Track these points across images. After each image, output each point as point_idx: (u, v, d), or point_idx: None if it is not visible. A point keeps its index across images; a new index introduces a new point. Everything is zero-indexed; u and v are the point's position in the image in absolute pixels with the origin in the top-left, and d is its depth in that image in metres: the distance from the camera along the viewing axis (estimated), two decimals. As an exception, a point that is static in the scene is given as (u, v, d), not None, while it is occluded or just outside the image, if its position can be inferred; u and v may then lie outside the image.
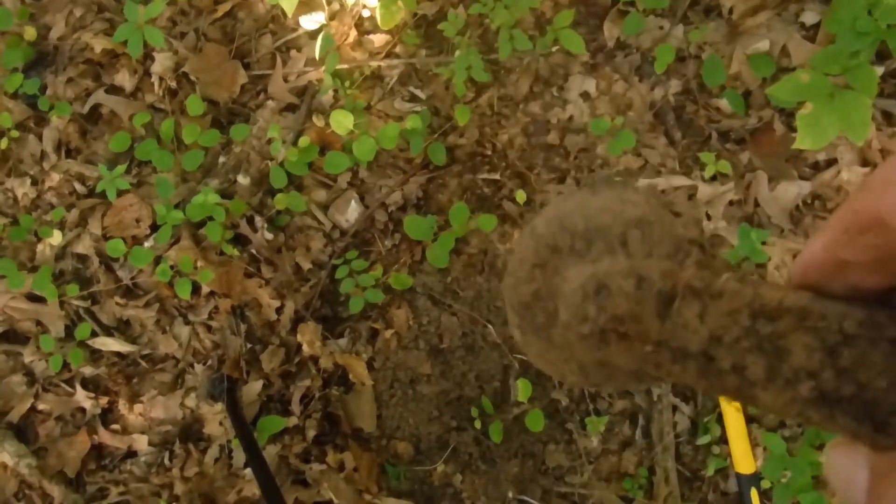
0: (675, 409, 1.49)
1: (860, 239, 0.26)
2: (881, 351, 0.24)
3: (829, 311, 0.26)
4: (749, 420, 1.45)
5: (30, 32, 1.61)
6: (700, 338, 0.26)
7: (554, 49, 1.56)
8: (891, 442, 0.25)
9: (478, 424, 1.52)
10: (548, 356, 0.32)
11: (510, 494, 1.51)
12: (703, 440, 1.47)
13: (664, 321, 0.27)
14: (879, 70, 1.50)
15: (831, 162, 1.49)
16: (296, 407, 1.51)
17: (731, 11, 1.53)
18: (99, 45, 1.59)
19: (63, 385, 1.55)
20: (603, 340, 0.27)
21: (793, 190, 1.49)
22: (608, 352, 0.28)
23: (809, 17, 1.51)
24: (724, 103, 1.53)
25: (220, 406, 1.49)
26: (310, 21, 1.56)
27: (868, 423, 0.24)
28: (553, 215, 0.34)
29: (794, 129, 1.45)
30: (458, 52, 1.51)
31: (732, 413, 1.44)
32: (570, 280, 0.30)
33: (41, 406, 1.53)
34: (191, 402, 1.53)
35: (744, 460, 1.42)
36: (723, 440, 1.46)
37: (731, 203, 1.51)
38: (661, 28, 1.55)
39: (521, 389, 1.50)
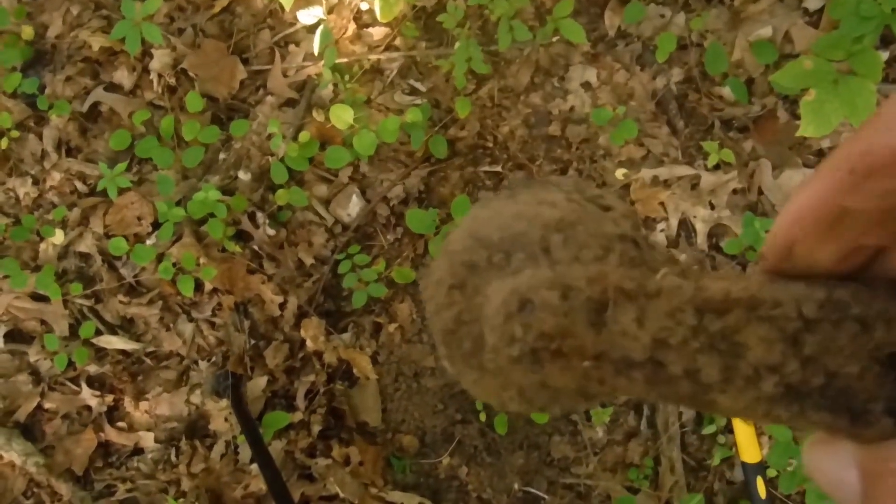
0: (680, 399, 1.49)
1: (868, 183, 0.23)
2: (847, 332, 0.22)
3: (784, 295, 0.23)
4: (754, 409, 1.45)
5: (27, 31, 1.60)
6: (642, 344, 0.24)
7: (554, 39, 1.55)
8: (873, 433, 0.22)
9: (482, 417, 1.52)
10: (483, 385, 0.29)
11: (516, 486, 1.51)
12: (708, 430, 1.47)
13: (599, 331, 0.24)
14: (884, 55, 1.48)
15: (834, 149, 1.48)
16: (301, 402, 1.52)
17: (732, -2, 1.51)
18: (97, 42, 1.58)
19: (69, 383, 1.55)
20: (535, 362, 0.25)
21: (797, 178, 1.48)
22: (543, 373, 0.25)
23: (813, 3, 1.49)
24: (726, 91, 1.52)
25: (225, 402, 1.50)
26: (308, 15, 1.55)
27: (845, 414, 0.22)
28: (466, 228, 0.31)
29: (797, 117, 1.44)
30: (457, 44, 1.50)
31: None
32: (492, 298, 0.27)
33: (47, 405, 1.54)
34: (196, 398, 1.53)
35: (749, 449, 1.42)
36: (728, 429, 1.46)
37: (734, 192, 1.50)
38: (663, 16, 1.54)
39: (526, 382, 1.50)
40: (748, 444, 1.43)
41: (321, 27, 1.53)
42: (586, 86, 1.57)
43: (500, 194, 0.32)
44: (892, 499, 0.22)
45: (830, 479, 0.24)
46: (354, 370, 1.54)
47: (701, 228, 1.50)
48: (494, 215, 0.31)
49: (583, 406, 0.28)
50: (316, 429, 1.50)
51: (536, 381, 0.26)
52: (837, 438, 0.24)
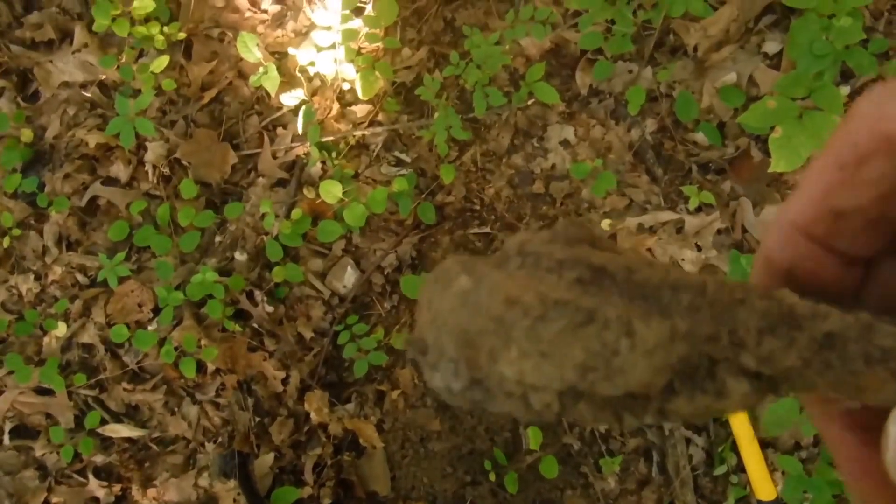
0: (688, 441, 1.49)
1: (861, 172, 0.23)
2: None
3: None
4: (764, 445, 1.44)
5: (26, 134, 1.67)
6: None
7: (530, 102, 1.62)
8: None
9: (492, 476, 1.51)
10: (515, 276, 0.24)
11: (532, 546, 1.49)
12: (720, 470, 1.46)
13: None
14: (846, 89, 1.54)
15: (811, 182, 1.52)
16: (309, 476, 1.51)
17: (695, 49, 1.59)
18: (93, 139, 1.65)
19: (75, 476, 1.55)
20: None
21: (777, 213, 1.51)
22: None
23: (771, 47, 1.56)
24: (700, 136, 1.58)
25: (233, 483, 1.49)
26: (290, 98, 1.63)
27: None
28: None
29: (770, 154, 1.49)
30: (437, 114, 1.57)
31: (746, 439, 1.43)
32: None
33: (55, 499, 1.53)
34: (204, 481, 1.52)
35: (763, 486, 1.41)
36: (740, 468, 1.45)
37: (718, 232, 1.54)
38: (631, 71, 1.61)
39: (532, 437, 1.50)
40: (762, 481, 1.41)
41: (303, 108, 1.60)
42: (565, 143, 1.62)
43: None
44: None
45: None
46: (360, 440, 1.54)
47: (690, 270, 1.53)
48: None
49: (642, 327, 0.22)
50: (326, 502, 1.48)
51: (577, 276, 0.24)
52: None
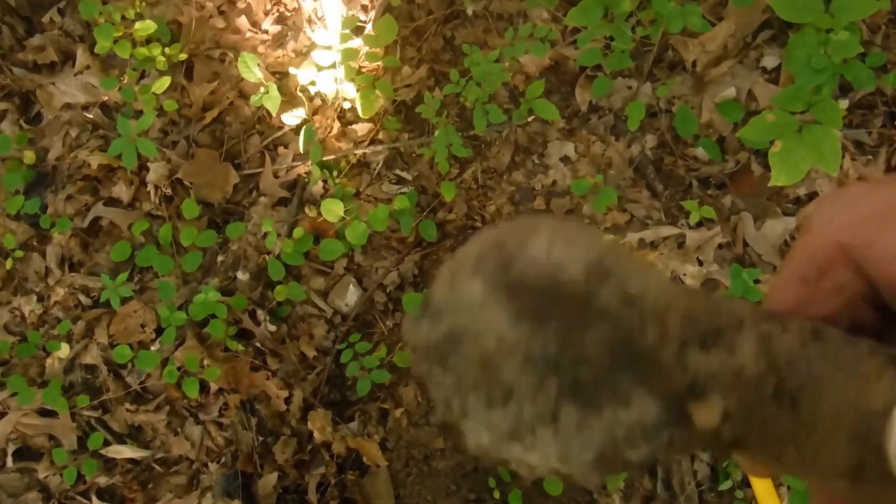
0: (693, 457, 1.48)
1: (823, 284, 0.24)
2: None
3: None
4: (769, 461, 1.43)
5: (28, 156, 1.68)
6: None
7: (530, 119, 1.63)
8: None
9: (497, 494, 1.50)
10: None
11: (538, 564, 1.48)
12: (725, 486, 1.45)
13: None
14: (844, 102, 1.55)
15: (812, 195, 1.53)
16: (313, 496, 1.50)
17: (694, 64, 1.59)
18: (95, 161, 1.65)
19: (79, 498, 1.54)
20: None
21: (779, 226, 1.52)
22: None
23: (770, 61, 1.57)
24: (700, 151, 1.58)
25: (237, 503, 1.48)
26: (292, 117, 1.63)
27: None
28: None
29: (770, 168, 1.50)
30: (437, 132, 1.57)
31: (751, 455, 1.42)
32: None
33: (58, 522, 1.53)
34: (207, 501, 1.52)
35: (768, 501, 1.40)
36: (745, 483, 1.45)
37: (720, 246, 1.54)
38: (630, 87, 1.62)
39: (537, 454, 1.49)
40: (767, 496, 1.41)
41: (305, 127, 1.60)
42: (565, 160, 1.63)
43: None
44: None
45: None
46: (364, 458, 1.53)
47: (692, 284, 1.53)
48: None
49: None
50: (330, 522, 1.48)
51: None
52: None
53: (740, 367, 0.23)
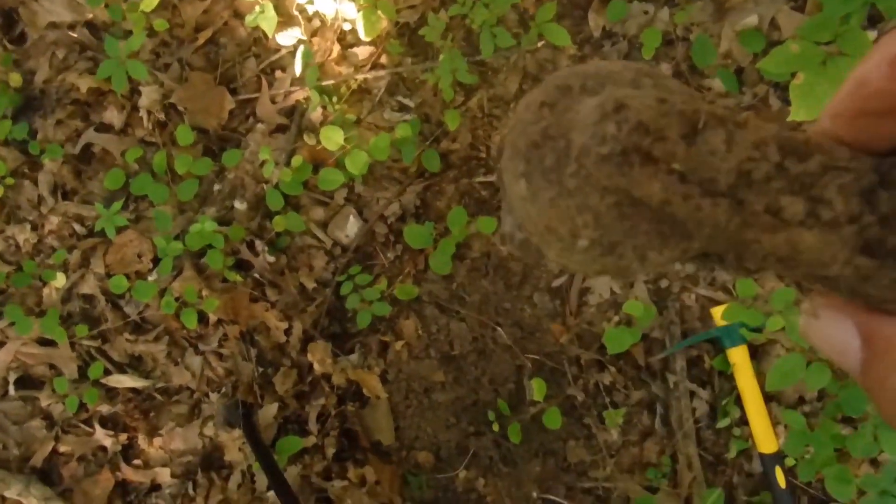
0: (692, 394, 1.48)
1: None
2: None
3: (859, 154, 0.24)
4: (768, 399, 1.44)
5: (15, 78, 1.61)
6: (728, 167, 0.24)
7: (540, 44, 1.55)
8: None
9: (496, 427, 1.51)
10: (558, 204, 0.27)
11: (534, 494, 1.51)
12: (723, 423, 1.46)
13: (690, 145, 0.24)
14: (872, 34, 1.47)
15: (830, 132, 1.47)
16: (313, 426, 1.52)
17: (714, -11, 1.50)
18: (84, 84, 1.59)
19: (82, 425, 1.56)
20: (626, 162, 0.24)
21: (793, 165, 1.46)
22: (632, 176, 0.25)
23: (796, -12, 1.48)
24: (716, 83, 1.51)
25: (238, 432, 1.50)
26: (287, 38, 1.55)
27: None
28: (561, 71, 0.31)
29: (789, 103, 1.43)
30: (442, 57, 1.50)
31: (751, 393, 1.42)
32: (585, 109, 0.27)
33: (62, 448, 1.55)
34: (209, 430, 1.53)
35: (765, 440, 1.41)
36: (743, 421, 1.45)
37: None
38: (646, 13, 1.53)
39: (536, 389, 1.49)
40: (764, 434, 1.42)
41: (301, 48, 1.53)
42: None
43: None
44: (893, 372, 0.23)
45: (835, 344, 0.26)
46: (364, 390, 1.54)
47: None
48: (586, 66, 0.31)
49: (656, 249, 0.26)
50: (330, 451, 1.50)
51: (616, 204, 0.26)
52: (846, 310, 0.25)
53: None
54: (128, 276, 1.54)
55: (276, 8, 1.54)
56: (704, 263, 0.28)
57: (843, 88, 0.25)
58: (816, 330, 0.26)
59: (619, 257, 0.26)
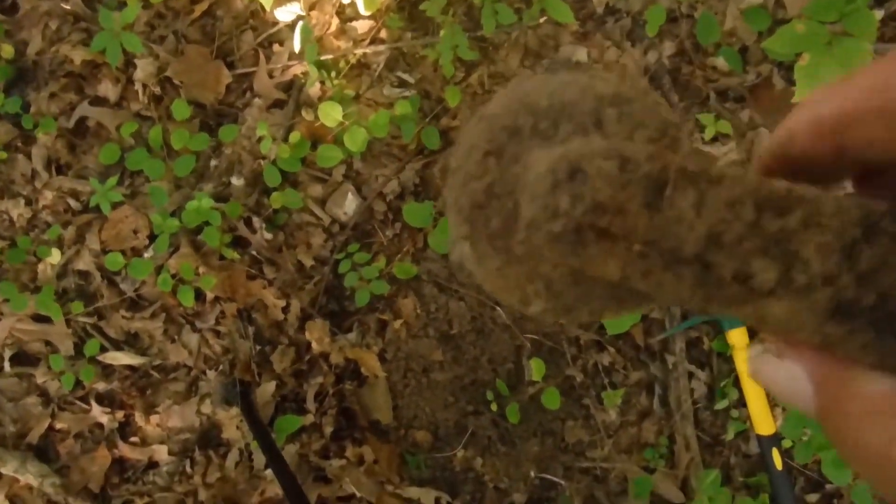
0: (690, 375, 1.48)
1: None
2: None
3: (845, 202, 0.22)
4: (766, 382, 1.44)
5: (7, 50, 1.58)
6: (697, 235, 0.22)
7: (542, 20, 1.52)
8: None
9: (494, 407, 1.51)
10: (506, 273, 0.25)
11: (532, 474, 1.51)
12: (721, 405, 1.46)
13: (654, 214, 0.22)
14: (879, 13, 1.45)
15: (834, 113, 1.45)
16: (311, 404, 1.51)
17: (720, -34, 1.48)
18: (78, 56, 1.55)
19: (78, 402, 1.55)
20: (579, 242, 0.22)
21: (796, 145, 1.45)
22: (586, 257, 0.22)
23: (803, -35, 1.45)
24: (720, 62, 1.49)
25: (235, 410, 1.49)
26: (286, 12, 1.53)
27: (891, 339, 0.21)
28: (510, 93, 0.28)
29: (793, 83, 1.41)
30: (442, 32, 1.48)
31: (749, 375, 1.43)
32: (535, 166, 0.23)
33: (59, 425, 1.54)
34: (206, 408, 1.53)
35: (763, 422, 1.41)
36: (741, 403, 1.46)
37: (734, 163, 1.48)
38: (650, -11, 1.51)
39: (535, 369, 1.49)
40: (762, 416, 1.42)
41: (300, 23, 1.50)
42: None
43: (541, 73, 0.29)
44: (854, 419, 0.22)
45: (783, 389, 0.24)
46: (362, 369, 1.53)
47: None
48: (542, 84, 0.27)
49: (612, 312, 0.24)
50: (328, 430, 1.49)
51: (570, 272, 0.24)
52: (794, 348, 0.23)
53: None
54: (123, 253, 1.52)
55: (274, -20, 1.51)
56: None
57: (774, 134, 0.25)
58: (765, 374, 0.25)
59: (574, 317, 0.24)
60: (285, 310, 1.54)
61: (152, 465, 1.53)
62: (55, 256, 1.53)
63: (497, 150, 0.26)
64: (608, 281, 0.23)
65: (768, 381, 0.25)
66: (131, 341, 1.56)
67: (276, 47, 1.59)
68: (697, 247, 0.22)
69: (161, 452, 1.52)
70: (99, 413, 1.52)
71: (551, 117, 0.26)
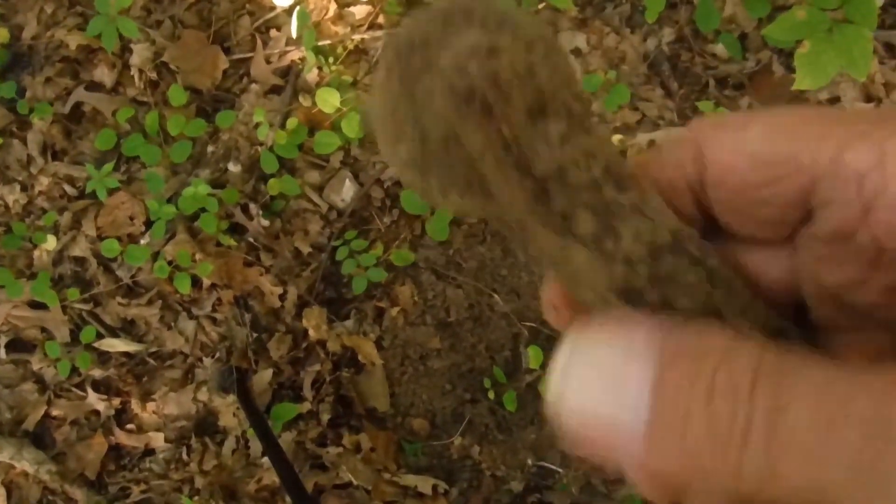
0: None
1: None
2: (696, 274, 0.24)
3: (670, 212, 0.25)
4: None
5: (2, 34, 1.57)
6: (549, 161, 0.24)
7: (541, 6, 1.51)
8: None
9: (491, 395, 1.51)
10: (398, 108, 0.26)
11: (529, 461, 1.51)
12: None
13: (529, 120, 0.24)
14: (879, 0, 1.44)
15: (834, 100, 1.45)
16: (308, 392, 1.51)
17: (721, -49, 1.47)
18: (74, 41, 1.54)
19: (74, 389, 1.54)
20: (466, 101, 0.24)
21: (796, 132, 1.44)
22: (464, 116, 0.24)
23: (803, -49, 1.45)
24: (720, 48, 1.49)
25: (232, 397, 1.49)
26: (284, -3, 1.52)
27: None
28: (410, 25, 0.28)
29: (793, 70, 1.40)
30: (441, 18, 1.47)
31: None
32: (469, 36, 0.25)
33: (55, 412, 1.53)
34: (203, 395, 1.52)
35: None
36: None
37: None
38: (650, -25, 1.50)
39: (533, 356, 1.49)
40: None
41: (298, 8, 1.49)
42: (576, 52, 1.53)
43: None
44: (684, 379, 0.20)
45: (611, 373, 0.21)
46: (360, 356, 1.53)
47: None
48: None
49: (455, 196, 0.26)
50: (325, 418, 1.49)
51: (445, 132, 0.25)
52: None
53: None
54: (120, 239, 1.52)
55: (271, -36, 1.50)
56: (503, 227, 0.28)
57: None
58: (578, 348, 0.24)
59: (426, 182, 0.26)
60: (282, 297, 1.53)
61: (148, 452, 1.53)
62: (51, 243, 1.52)
63: (447, 19, 0.26)
64: (469, 159, 0.25)
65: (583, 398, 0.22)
66: (128, 328, 1.56)
67: (273, 32, 1.58)
68: (546, 171, 0.24)
69: (157, 440, 1.51)
70: (95, 400, 1.52)
71: (498, 21, 0.27)
